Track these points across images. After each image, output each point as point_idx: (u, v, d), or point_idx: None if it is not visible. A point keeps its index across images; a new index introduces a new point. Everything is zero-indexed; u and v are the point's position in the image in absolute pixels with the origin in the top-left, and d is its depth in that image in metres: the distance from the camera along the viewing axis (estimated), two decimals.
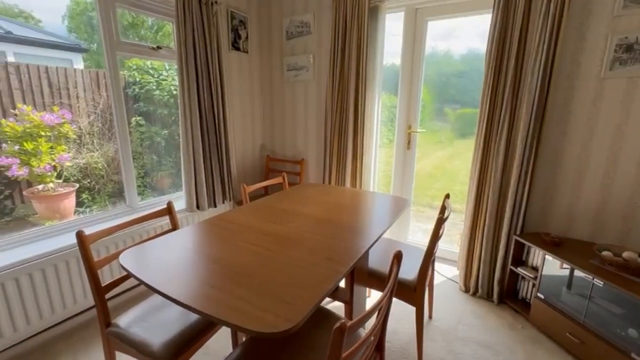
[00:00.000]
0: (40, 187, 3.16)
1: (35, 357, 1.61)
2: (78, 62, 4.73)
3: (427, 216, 3.61)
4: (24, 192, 3.15)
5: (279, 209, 1.71)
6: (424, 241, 2.74)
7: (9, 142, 3.03)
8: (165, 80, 3.76)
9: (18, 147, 3.03)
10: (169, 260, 1.15)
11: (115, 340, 1.22)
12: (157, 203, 2.44)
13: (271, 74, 3.06)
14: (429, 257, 1.46)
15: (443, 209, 1.77)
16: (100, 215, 2.14)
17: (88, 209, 3.53)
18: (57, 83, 3.40)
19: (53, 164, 3.20)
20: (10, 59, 4.02)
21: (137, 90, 3.68)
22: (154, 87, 3.69)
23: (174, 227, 1.53)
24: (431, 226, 1.48)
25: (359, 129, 2.53)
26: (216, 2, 2.35)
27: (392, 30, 2.48)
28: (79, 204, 3.44)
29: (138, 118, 3.68)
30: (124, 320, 1.27)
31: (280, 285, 0.98)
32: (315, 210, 1.69)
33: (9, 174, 3.02)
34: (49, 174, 3.20)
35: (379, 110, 2.59)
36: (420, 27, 2.38)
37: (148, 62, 3.76)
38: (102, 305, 1.24)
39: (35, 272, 1.62)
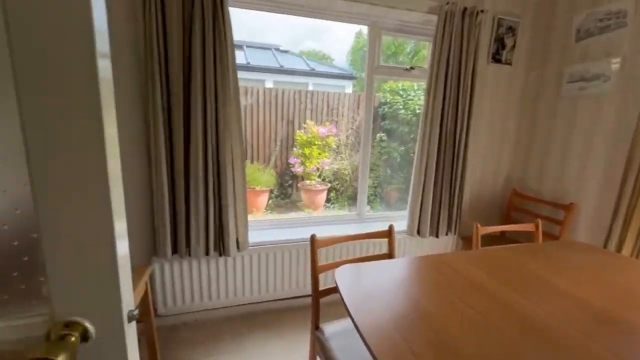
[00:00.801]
0: (307, 182, 4.17)
1: (269, 317, 2.06)
2: (348, 88, 5.91)
3: None
4: (298, 184, 4.28)
5: (527, 271, 1.23)
6: None
7: (297, 147, 4.18)
8: (412, 100, 3.91)
9: (301, 151, 4.12)
10: (375, 292, 1.06)
11: (317, 344, 1.28)
12: (381, 218, 2.51)
13: (540, 87, 2.40)
14: None
15: None
16: (333, 219, 2.44)
17: (332, 206, 4.31)
18: (332, 104, 4.36)
19: (317, 166, 4.14)
20: (310, 88, 5.58)
21: (385, 109, 4.06)
22: (401, 107, 3.93)
23: (390, 252, 1.45)
24: None
25: None
26: (482, 11, 2.08)
27: None
28: (327, 200, 4.26)
29: (382, 134, 4.06)
30: (329, 329, 1.32)
31: None
32: (591, 292, 1.08)
33: (293, 170, 4.18)
34: (313, 173, 4.15)
35: None
36: None
37: (399, 84, 4.05)
38: (316, 306, 1.34)
39: (285, 251, 2.05)
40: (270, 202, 4.10)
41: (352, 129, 4.32)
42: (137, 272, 1.38)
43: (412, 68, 2.31)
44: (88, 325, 0.43)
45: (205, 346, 1.79)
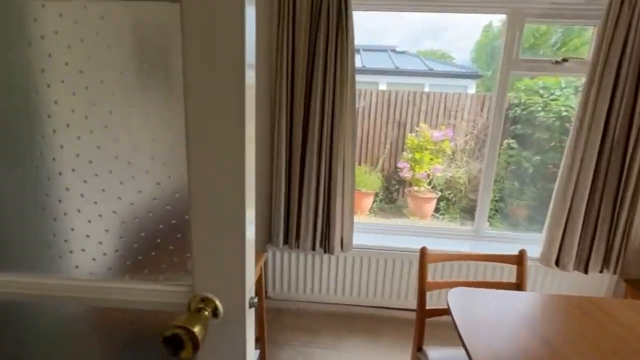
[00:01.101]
0: (415, 188, 3.94)
1: (368, 323, 2.01)
2: (471, 88, 5.31)
3: None
4: (405, 190, 4.10)
5: None
6: None
7: (407, 151, 4.00)
8: (556, 100, 3.22)
9: (411, 155, 3.92)
10: (495, 324, 0.90)
11: None
12: (503, 239, 2.14)
13: None
14: None
15: None
16: (444, 231, 2.21)
17: (441, 216, 3.95)
18: (450, 106, 3.99)
19: (428, 172, 3.86)
20: (426, 89, 5.26)
21: (518, 111, 3.46)
22: (539, 109, 3.29)
23: (519, 283, 1.20)
24: None
25: None
26: None
27: None
28: (436, 209, 3.94)
29: (511, 141, 3.48)
30: (433, 354, 1.19)
31: None
32: None
33: (401, 174, 4.02)
34: (423, 180, 3.89)
35: None
36: None
37: (539, 82, 3.39)
38: (420, 326, 1.23)
39: (389, 259, 1.97)
40: (374, 205, 4.05)
41: (472, 133, 3.86)
42: (255, 256, 1.55)
43: (564, 60, 1.88)
44: (218, 303, 0.48)
45: (304, 335, 1.89)
